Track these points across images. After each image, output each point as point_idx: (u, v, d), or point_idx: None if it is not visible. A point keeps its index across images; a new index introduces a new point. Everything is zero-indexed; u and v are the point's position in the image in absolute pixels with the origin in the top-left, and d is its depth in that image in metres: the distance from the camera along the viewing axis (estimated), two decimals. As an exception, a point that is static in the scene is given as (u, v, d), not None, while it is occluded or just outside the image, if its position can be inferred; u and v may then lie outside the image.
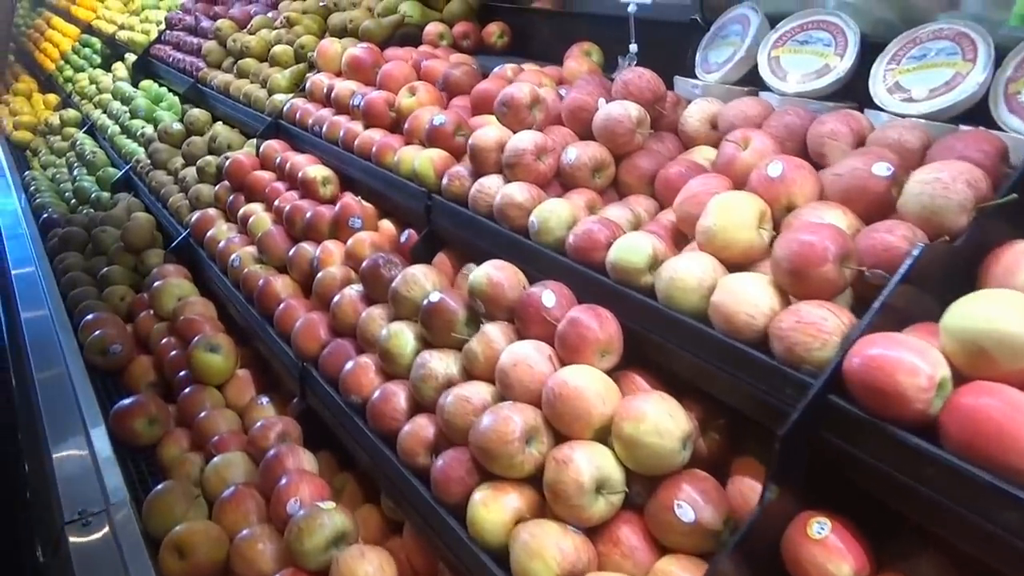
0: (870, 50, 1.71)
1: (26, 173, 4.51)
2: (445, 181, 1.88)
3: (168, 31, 4.55)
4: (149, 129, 3.86)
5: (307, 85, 2.75)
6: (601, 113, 1.75)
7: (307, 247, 2.15)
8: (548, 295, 1.42)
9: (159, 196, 3.23)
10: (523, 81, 2.12)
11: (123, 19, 5.73)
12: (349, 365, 1.72)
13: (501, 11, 3.15)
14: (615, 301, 1.39)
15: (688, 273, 1.27)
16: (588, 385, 1.26)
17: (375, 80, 2.56)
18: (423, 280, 1.66)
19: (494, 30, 3.01)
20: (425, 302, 1.59)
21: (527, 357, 1.36)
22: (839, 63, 1.73)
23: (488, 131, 1.78)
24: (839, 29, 1.79)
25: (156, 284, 2.54)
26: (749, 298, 1.18)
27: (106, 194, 3.76)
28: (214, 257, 2.57)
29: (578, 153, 1.71)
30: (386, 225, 2.14)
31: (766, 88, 1.85)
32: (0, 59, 8.76)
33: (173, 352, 2.31)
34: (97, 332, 2.41)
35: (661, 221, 1.52)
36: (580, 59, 2.22)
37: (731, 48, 1.98)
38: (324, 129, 2.49)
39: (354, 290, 1.86)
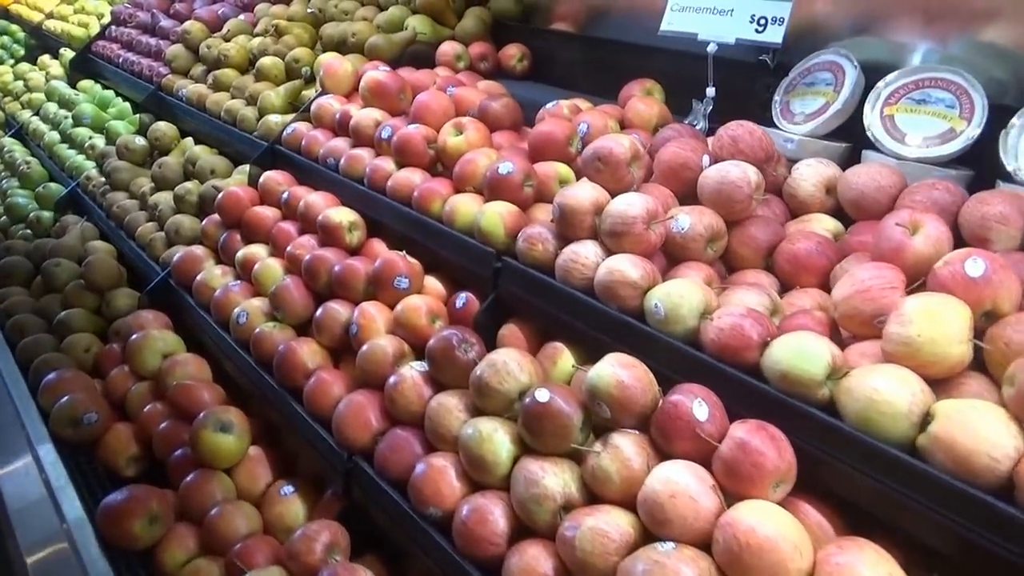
0: (996, 114, 1.58)
1: (-60, 183, 3.95)
2: (522, 243, 1.63)
3: (114, 27, 4.09)
4: (99, 140, 3.42)
5: (312, 108, 2.44)
6: (714, 174, 1.54)
7: (339, 309, 1.85)
8: (700, 406, 1.20)
9: (122, 224, 2.83)
10: (592, 120, 1.90)
11: (52, 7, 5.17)
12: (421, 468, 1.45)
13: (517, 31, 2.92)
14: (780, 416, 1.19)
15: (894, 395, 1.08)
16: (781, 534, 1.05)
17: (398, 108, 2.29)
18: (517, 371, 1.41)
19: (514, 53, 2.78)
20: (527, 400, 1.34)
21: (687, 488, 1.14)
22: (966, 128, 1.59)
23: (582, 191, 1.55)
24: (962, 89, 1.65)
25: (134, 338, 2.18)
26: (990, 436, 1.00)
27: (48, 214, 3.31)
28: (206, 306, 2.23)
29: (692, 222, 1.50)
30: (433, 284, 1.87)
31: (869, 146, 1.70)
32: None
33: (164, 424, 1.97)
34: (64, 398, 2.04)
35: (814, 314, 1.32)
36: (646, 101, 2.01)
37: (821, 98, 1.82)
38: (342, 163, 2.20)
39: (415, 370, 1.59)
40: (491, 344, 1.64)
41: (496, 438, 1.38)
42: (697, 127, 1.96)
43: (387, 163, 2.07)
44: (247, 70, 3.05)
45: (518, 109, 2.21)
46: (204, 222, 2.41)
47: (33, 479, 1.84)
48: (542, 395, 1.33)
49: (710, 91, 1.98)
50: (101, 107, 3.77)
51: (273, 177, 2.33)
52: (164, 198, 2.69)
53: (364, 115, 2.21)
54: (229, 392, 2.09)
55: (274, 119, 2.58)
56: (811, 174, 1.63)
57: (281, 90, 2.68)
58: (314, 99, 2.52)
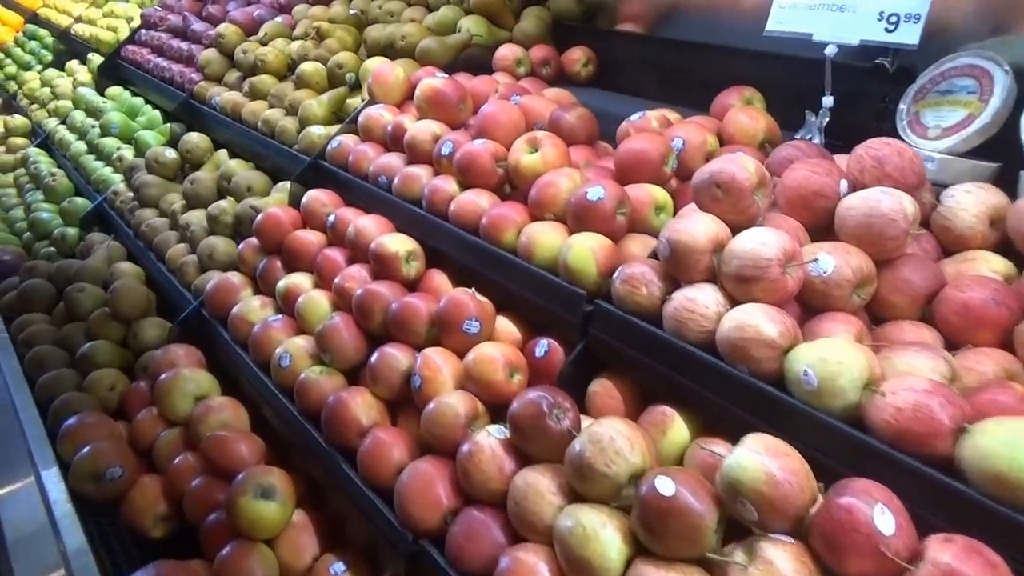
0: None
1: (-37, 195, 3.80)
2: (621, 285, 1.37)
3: (144, 31, 3.91)
4: (127, 152, 3.23)
5: (360, 119, 2.20)
6: (859, 204, 1.28)
7: (398, 355, 1.61)
8: (882, 515, 0.94)
9: (151, 244, 2.62)
10: (688, 135, 1.64)
11: (80, 10, 5.03)
12: (506, 563, 1.20)
13: (579, 33, 2.67)
14: (988, 531, 0.92)
15: None
16: None
17: (458, 119, 2.05)
18: (628, 449, 1.16)
19: (578, 57, 2.52)
20: (645, 489, 1.08)
21: (879, 629, 0.87)
22: None
23: (697, 224, 1.29)
24: None
25: (163, 378, 1.96)
26: None
27: (73, 231, 3.12)
28: (243, 343, 2.01)
29: (837, 264, 1.23)
30: (506, 327, 1.62)
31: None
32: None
33: (197, 481, 1.74)
34: (86, 448, 1.83)
35: (1013, 388, 1.05)
36: (749, 112, 1.74)
37: (962, 109, 1.55)
38: (396, 183, 1.96)
39: (493, 437, 1.34)
40: (579, 402, 1.39)
41: (604, 536, 1.12)
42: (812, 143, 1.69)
43: (448, 183, 1.83)
44: (285, 76, 2.84)
45: (594, 121, 1.96)
46: (241, 246, 2.19)
47: (49, 546, 1.62)
48: (665, 486, 1.07)
49: (827, 101, 1.71)
50: (130, 115, 3.59)
51: (317, 197, 2.09)
52: (197, 217, 2.48)
53: (420, 128, 1.97)
54: (269, 442, 1.86)
55: (317, 131, 2.35)
56: (971, 202, 1.36)
57: (324, 99, 2.45)
58: (361, 109, 2.29)
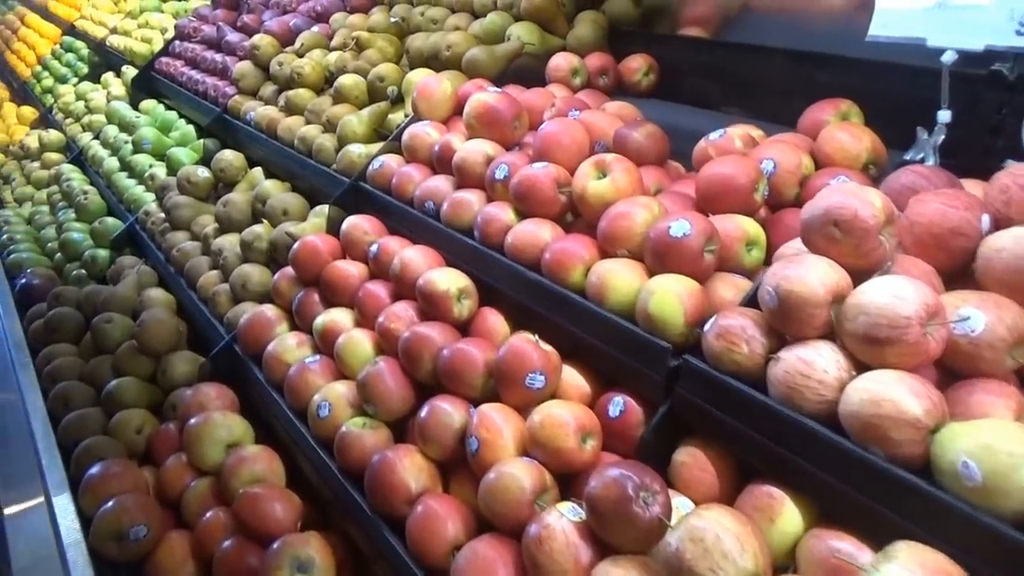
0: None
1: (-3, 212, 3.73)
2: (715, 341, 1.18)
3: (178, 42, 3.81)
4: (160, 170, 3.11)
5: (403, 137, 2.03)
6: (1011, 245, 1.07)
7: (450, 411, 1.43)
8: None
9: (182, 270, 2.49)
10: (780, 157, 1.44)
11: (115, 22, 4.97)
12: None
13: (638, 38, 2.47)
14: None
15: None
16: None
17: (512, 138, 1.86)
18: (737, 552, 0.96)
19: (638, 65, 2.33)
20: (764, 607, 0.88)
21: None
22: None
23: (812, 270, 1.08)
24: None
25: (193, 423, 1.80)
26: None
27: (104, 252, 3.01)
28: (278, 385, 1.85)
29: (988, 320, 1.02)
30: (572, 379, 1.43)
31: None
32: (-35, 59, 7.89)
33: (228, 542, 1.58)
34: (109, 503, 1.68)
35: None
36: (850, 129, 1.52)
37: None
38: (444, 209, 1.78)
39: (566, 519, 1.15)
40: (661, 471, 1.19)
41: (712, 659, 0.92)
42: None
43: (504, 211, 1.65)
44: (323, 90, 2.69)
45: (665, 140, 1.76)
46: (276, 277, 2.03)
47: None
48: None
49: (943, 115, 1.48)
50: (163, 130, 3.48)
51: (359, 225, 1.93)
52: (230, 243, 2.33)
53: (472, 149, 1.79)
54: (306, 496, 1.69)
55: (356, 150, 2.19)
56: None
57: (364, 114, 2.29)
58: (405, 126, 2.12)
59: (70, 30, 5.84)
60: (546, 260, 1.50)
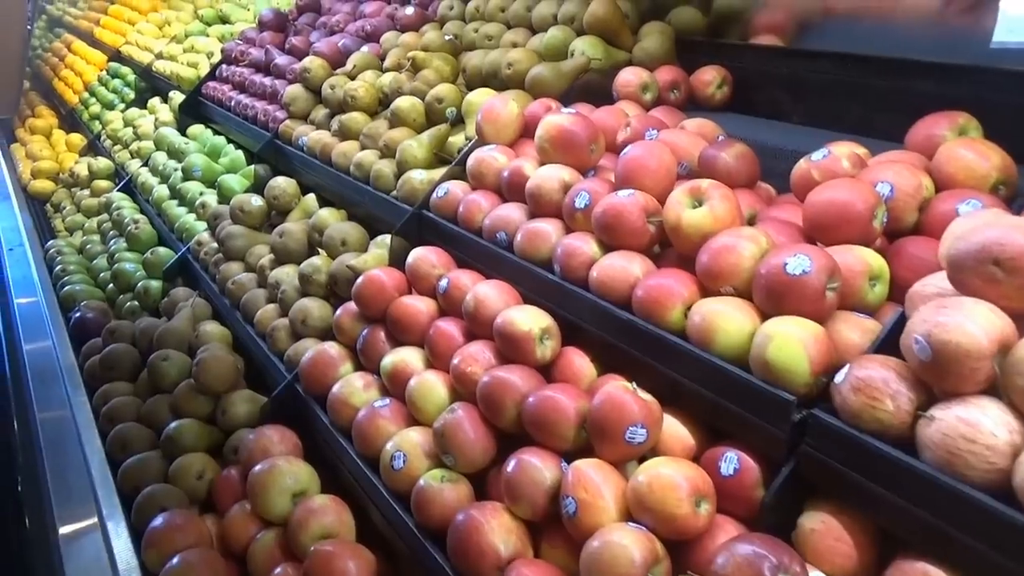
0: None
1: (49, 243, 3.73)
2: (851, 395, 1.05)
3: (225, 66, 3.78)
4: (210, 198, 3.07)
5: (469, 163, 1.94)
6: None
7: (540, 466, 1.32)
8: None
9: (238, 303, 2.42)
10: (897, 179, 1.30)
11: (161, 46, 4.99)
12: None
13: (708, 49, 2.35)
14: None
15: None
16: None
17: (588, 162, 1.76)
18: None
19: (711, 78, 2.21)
20: None
21: None
22: None
23: (973, 318, 0.95)
24: None
25: (258, 471, 1.72)
26: None
27: (156, 284, 2.97)
28: (345, 429, 1.76)
29: None
30: (674, 430, 1.31)
31: None
32: (13, 87, 8.07)
33: (298, 604, 1.49)
34: (175, 560, 1.61)
35: None
36: (974, 146, 1.38)
37: None
38: (519, 241, 1.68)
39: (686, 599, 1.02)
40: (785, 538, 1.07)
41: None
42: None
43: (586, 243, 1.54)
44: (376, 112, 2.61)
45: (755, 161, 1.64)
46: (338, 313, 1.95)
47: None
48: None
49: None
50: (212, 156, 3.45)
51: (425, 258, 1.83)
52: (287, 275, 2.26)
53: (546, 175, 1.68)
54: (379, 549, 1.59)
55: (418, 176, 2.10)
56: None
57: (424, 138, 2.20)
58: (469, 150, 2.03)
59: (116, 56, 5.90)
60: (639, 297, 1.38)
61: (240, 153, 3.37)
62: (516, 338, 1.49)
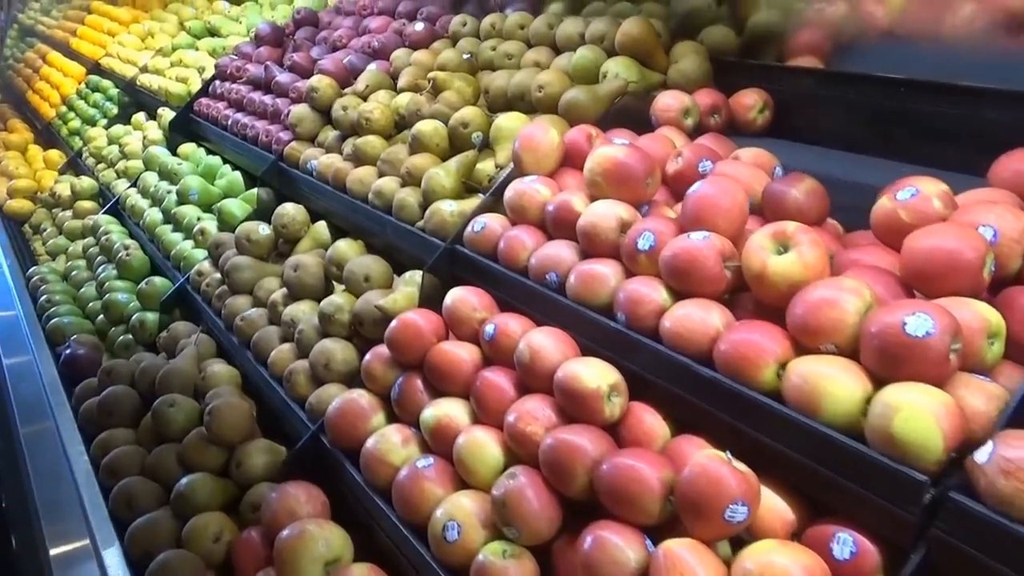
0: None
1: (32, 269, 3.54)
2: (1000, 478, 0.94)
3: (219, 82, 3.63)
4: (209, 223, 2.91)
5: (508, 195, 1.81)
6: None
7: (623, 546, 1.20)
8: None
9: (248, 342, 2.27)
10: (1000, 222, 1.21)
11: (145, 59, 4.81)
12: None
13: (745, 70, 2.26)
14: None
15: None
16: None
17: (643, 197, 1.64)
18: None
19: (752, 101, 2.12)
20: None
21: None
22: None
23: None
24: None
25: (285, 537, 1.57)
26: None
27: (152, 316, 2.81)
28: (384, 492, 1.62)
29: None
30: (772, 504, 1.19)
31: None
32: (-14, 99, 7.79)
33: None
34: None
35: None
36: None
37: None
38: (573, 284, 1.55)
39: None
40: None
41: None
42: None
43: (654, 289, 1.42)
44: (390, 136, 2.48)
45: (826, 198, 1.53)
46: (368, 358, 1.80)
47: None
48: None
49: None
50: (206, 177, 3.29)
51: (466, 301, 1.70)
52: (303, 313, 2.12)
53: (602, 213, 1.56)
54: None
55: (448, 208, 1.97)
56: None
57: (452, 166, 2.07)
58: (505, 181, 1.91)
59: (95, 68, 5.70)
60: (723, 352, 1.26)
61: (238, 175, 3.21)
62: (582, 395, 1.37)
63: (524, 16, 2.65)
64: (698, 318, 1.33)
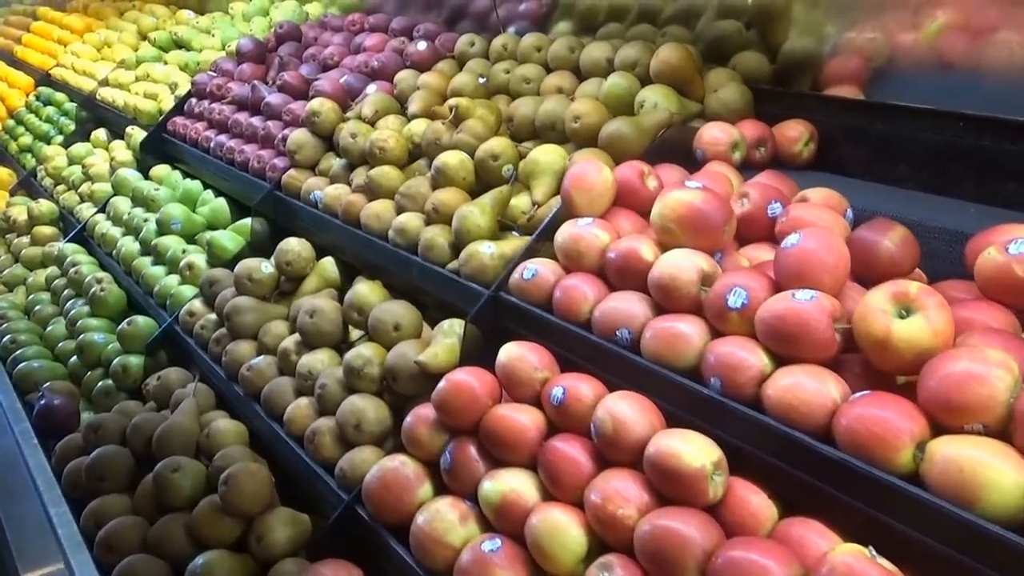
0: None
1: (-10, 306, 3.25)
2: None
3: (196, 100, 3.40)
4: (197, 257, 2.70)
5: (560, 240, 1.68)
6: None
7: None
8: None
9: (257, 395, 2.08)
10: None
11: (104, 71, 4.53)
12: None
13: (776, 100, 2.17)
14: None
15: None
16: None
17: (720, 244, 1.52)
18: None
19: (798, 133, 2.04)
20: None
21: None
22: None
23: None
24: None
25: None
26: None
27: (137, 361, 2.57)
28: (441, 574, 1.45)
29: None
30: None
31: None
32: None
33: None
34: None
35: None
36: None
37: None
38: (650, 342, 1.43)
39: None
40: None
41: None
42: None
43: (752, 353, 1.30)
44: (404, 165, 2.32)
45: (917, 246, 1.43)
46: (411, 420, 1.64)
47: None
48: None
49: None
50: (186, 203, 3.06)
51: (525, 359, 1.55)
52: (323, 364, 1.94)
53: (681, 264, 1.44)
54: None
55: (486, 250, 1.82)
56: None
57: (487, 204, 1.93)
58: (552, 222, 1.77)
59: (45, 80, 5.37)
60: (849, 429, 1.15)
61: (222, 202, 3.00)
62: (683, 476, 1.24)
63: (539, 38, 2.53)
64: (812, 388, 1.21)
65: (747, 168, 1.97)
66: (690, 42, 2.27)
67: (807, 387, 1.22)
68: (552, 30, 2.84)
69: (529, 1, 3.00)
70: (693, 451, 1.25)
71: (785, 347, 1.28)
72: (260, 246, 2.60)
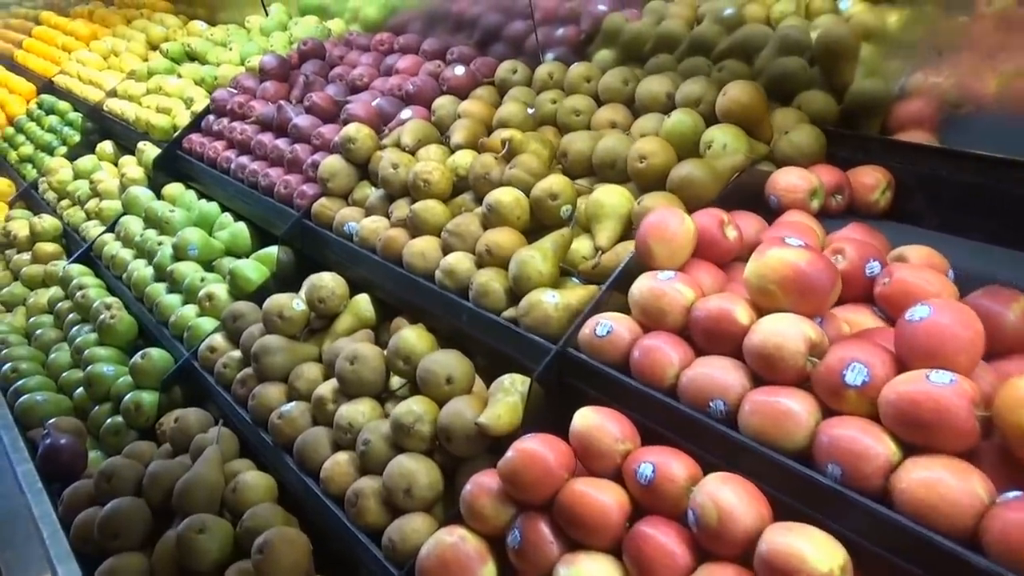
0: None
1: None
2: None
3: (214, 117, 3.26)
4: (217, 288, 2.55)
5: (637, 294, 1.54)
6: None
7: None
8: None
9: (289, 445, 1.93)
10: None
11: (112, 81, 4.38)
12: None
13: (847, 144, 2.06)
14: None
15: None
16: None
17: (824, 307, 1.39)
18: None
19: (875, 181, 1.93)
20: None
21: None
22: None
23: None
24: None
25: None
26: None
27: (151, 398, 2.41)
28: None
29: None
30: None
31: None
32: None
33: None
34: None
35: None
36: None
37: None
38: (751, 419, 1.30)
39: None
40: None
41: None
42: None
43: (878, 440, 1.17)
44: (447, 199, 2.18)
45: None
46: (471, 489, 1.49)
47: None
48: None
49: None
50: (202, 226, 2.91)
51: (604, 429, 1.41)
52: (364, 417, 1.80)
53: (785, 332, 1.31)
54: None
55: (550, 300, 1.69)
56: None
57: (548, 248, 1.79)
58: (625, 273, 1.64)
59: (48, 87, 5.21)
60: (1003, 536, 1.02)
61: (242, 226, 2.85)
62: (805, 580, 1.10)
63: (588, 67, 2.41)
64: (956, 486, 1.08)
65: (823, 217, 1.85)
66: (751, 78, 2.16)
67: (950, 484, 1.09)
68: (594, 58, 2.72)
69: (568, 27, 2.88)
70: (818, 554, 1.11)
71: (917, 435, 1.15)
72: (287, 279, 2.45)
